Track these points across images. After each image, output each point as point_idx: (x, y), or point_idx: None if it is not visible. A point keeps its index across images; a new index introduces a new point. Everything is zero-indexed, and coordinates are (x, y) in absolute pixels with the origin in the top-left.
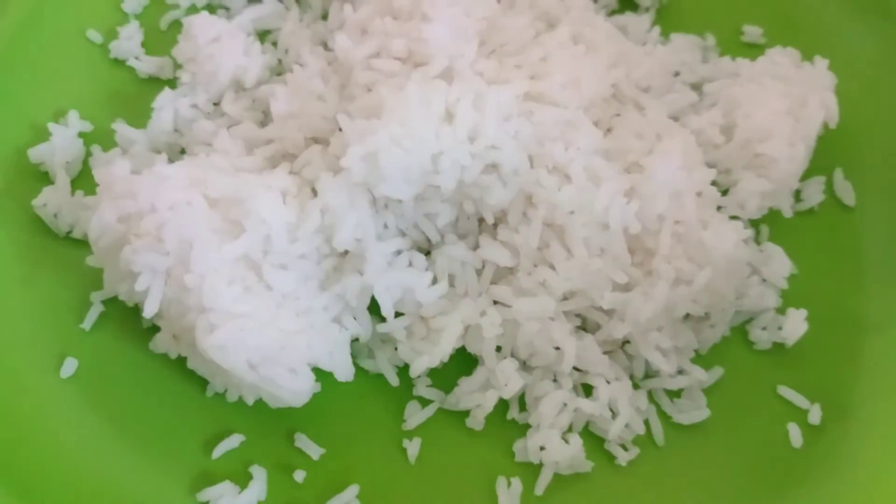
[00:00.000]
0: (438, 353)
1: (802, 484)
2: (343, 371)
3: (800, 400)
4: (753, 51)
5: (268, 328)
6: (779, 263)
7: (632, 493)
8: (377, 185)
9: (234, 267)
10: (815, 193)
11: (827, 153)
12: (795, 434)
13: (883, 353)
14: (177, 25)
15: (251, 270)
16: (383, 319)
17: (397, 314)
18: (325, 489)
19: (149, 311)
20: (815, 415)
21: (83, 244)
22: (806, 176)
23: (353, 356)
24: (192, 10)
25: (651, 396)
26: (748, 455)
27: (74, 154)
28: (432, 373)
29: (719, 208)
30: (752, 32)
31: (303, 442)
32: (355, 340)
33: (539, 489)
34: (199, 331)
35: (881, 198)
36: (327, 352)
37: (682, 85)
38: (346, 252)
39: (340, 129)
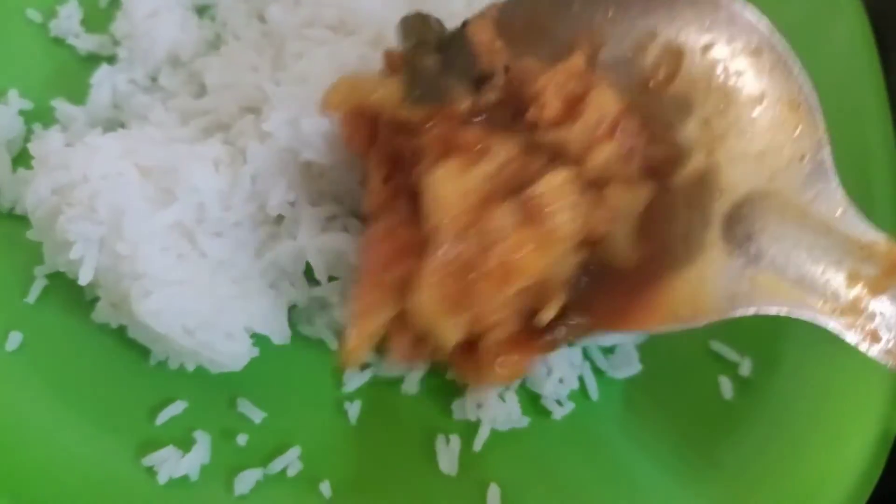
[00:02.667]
0: None
1: (733, 433)
2: (279, 334)
3: (730, 354)
4: None
5: (203, 294)
6: None
7: (567, 446)
8: (302, 150)
9: (167, 235)
10: None
11: None
12: (726, 386)
13: None
14: (116, 3)
15: (185, 238)
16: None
17: (332, 278)
18: (268, 451)
19: (84, 279)
20: (745, 367)
21: (25, 220)
22: None
23: (293, 323)
24: None
25: (585, 353)
26: (680, 407)
27: (15, 132)
28: None
29: None
30: None
31: (245, 406)
32: (294, 307)
33: (477, 445)
34: (134, 297)
35: None
36: (263, 315)
37: None
38: (282, 220)
39: None
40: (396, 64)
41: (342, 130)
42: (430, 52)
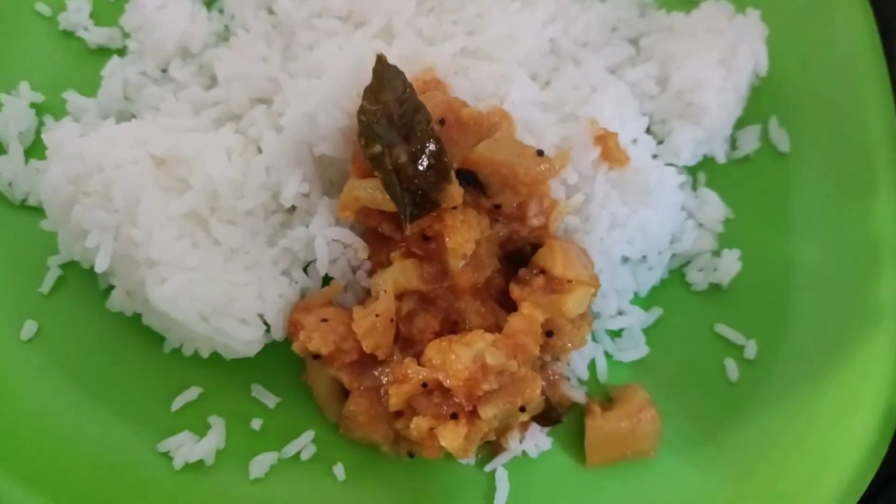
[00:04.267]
0: None
1: (739, 415)
2: (279, 329)
3: (736, 336)
4: (690, 5)
5: (217, 280)
6: (714, 208)
7: (575, 426)
8: (317, 144)
9: (181, 222)
10: (750, 141)
11: (763, 102)
12: (732, 368)
13: (813, 291)
14: None
15: (199, 226)
16: None
17: (327, 279)
18: (282, 435)
19: (100, 266)
20: (750, 350)
21: (39, 211)
22: (742, 124)
23: None
24: None
25: (593, 336)
26: (687, 389)
27: (27, 124)
28: None
29: (655, 157)
30: None
31: (259, 392)
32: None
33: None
34: (149, 283)
35: (814, 144)
36: (273, 304)
37: (620, 39)
38: (295, 208)
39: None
40: (367, 171)
41: None
42: (397, 153)
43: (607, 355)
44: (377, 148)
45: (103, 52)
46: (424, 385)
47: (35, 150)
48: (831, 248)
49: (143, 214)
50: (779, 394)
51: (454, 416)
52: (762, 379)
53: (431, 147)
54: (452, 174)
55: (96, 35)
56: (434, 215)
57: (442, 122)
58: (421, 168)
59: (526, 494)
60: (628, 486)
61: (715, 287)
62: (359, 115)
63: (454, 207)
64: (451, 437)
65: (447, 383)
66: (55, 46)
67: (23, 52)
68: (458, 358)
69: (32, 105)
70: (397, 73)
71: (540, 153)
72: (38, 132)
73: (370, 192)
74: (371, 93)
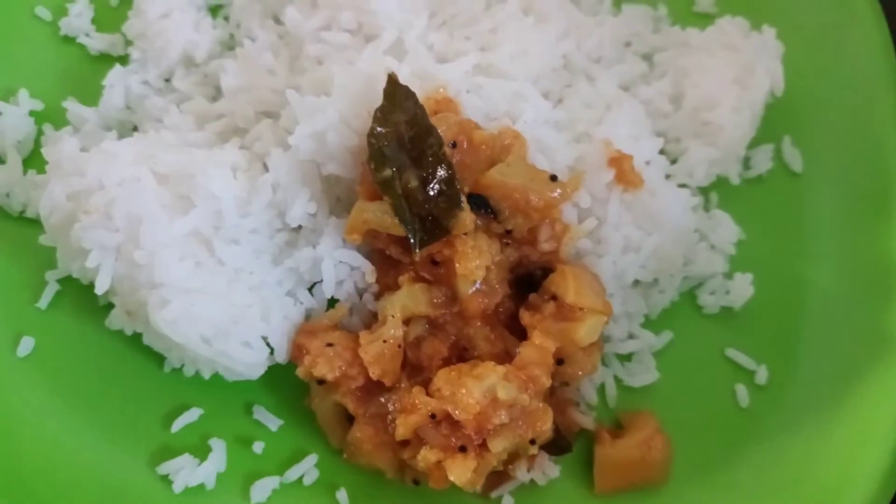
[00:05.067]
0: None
1: (750, 442)
2: (282, 352)
3: (747, 361)
4: (705, 21)
5: (220, 302)
6: (726, 229)
7: (584, 453)
8: (325, 163)
9: (184, 242)
10: (763, 161)
11: (776, 121)
12: (743, 394)
13: (826, 315)
14: (127, 1)
15: (202, 246)
16: None
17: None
18: (285, 459)
19: (100, 288)
20: (761, 375)
21: (37, 223)
22: (755, 143)
23: None
24: None
25: (603, 360)
26: (697, 415)
27: (25, 133)
28: None
29: (668, 177)
30: (704, 2)
31: (261, 414)
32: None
33: None
34: (152, 306)
35: (828, 164)
36: (278, 326)
37: (633, 55)
38: (300, 227)
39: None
40: (376, 194)
41: None
42: (407, 177)
43: (617, 380)
44: (387, 172)
45: (105, 59)
46: (433, 416)
47: (34, 159)
48: (845, 271)
49: (146, 234)
50: (790, 420)
51: (463, 449)
52: (773, 405)
53: (442, 172)
54: (464, 200)
55: (98, 41)
56: (444, 240)
57: (454, 144)
58: (432, 193)
59: None
60: None
61: (726, 310)
62: (369, 137)
63: (465, 233)
64: (460, 471)
65: (456, 415)
66: (55, 52)
67: (22, 57)
68: (469, 392)
69: (32, 113)
70: (409, 94)
71: (553, 178)
72: (37, 141)
73: (379, 215)
74: (382, 114)
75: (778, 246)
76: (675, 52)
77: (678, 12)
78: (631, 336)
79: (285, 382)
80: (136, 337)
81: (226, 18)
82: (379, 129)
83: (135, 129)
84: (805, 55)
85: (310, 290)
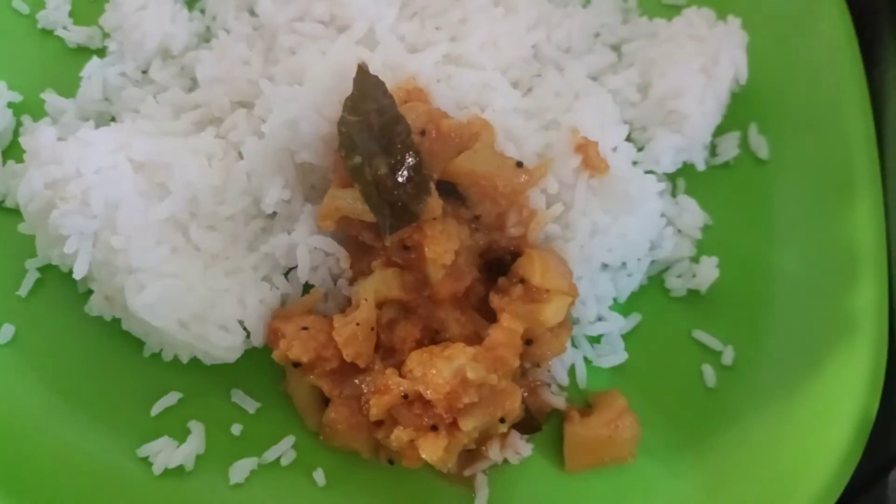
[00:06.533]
0: None
1: (716, 420)
2: (258, 335)
3: (713, 342)
4: (673, 12)
5: (197, 287)
6: (693, 215)
7: (556, 432)
8: (298, 151)
9: (161, 228)
10: (730, 148)
11: (743, 109)
12: (709, 375)
13: (790, 298)
14: None
15: (179, 232)
16: None
17: (308, 286)
18: (262, 441)
19: (78, 273)
20: (727, 356)
21: (17, 213)
22: (722, 131)
23: None
24: None
25: (573, 342)
26: (665, 395)
27: (4, 125)
28: None
29: (636, 163)
30: None
31: (239, 397)
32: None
33: None
34: (129, 291)
35: (793, 151)
36: (254, 310)
37: (602, 46)
38: (275, 213)
39: None
40: (347, 182)
41: None
42: (377, 164)
43: (587, 361)
44: (357, 159)
45: (83, 52)
46: (405, 396)
47: (12, 150)
48: (810, 255)
49: (123, 220)
50: (756, 400)
51: (434, 428)
52: (739, 385)
53: (411, 160)
54: (432, 186)
55: (76, 34)
56: (414, 225)
57: (423, 133)
58: (400, 180)
59: (505, 499)
60: (607, 491)
61: (693, 293)
62: (339, 125)
63: (434, 218)
64: (432, 449)
65: (428, 395)
66: (33, 45)
67: (0, 50)
68: (439, 372)
69: (10, 105)
70: (378, 83)
71: (519, 164)
72: (16, 132)
73: (350, 202)
74: (351, 103)
75: (744, 231)
76: (643, 43)
77: (647, 3)
78: (600, 318)
79: (263, 367)
80: (116, 323)
81: (202, 11)
82: (349, 117)
83: (112, 119)
84: (771, 45)
85: (285, 275)
